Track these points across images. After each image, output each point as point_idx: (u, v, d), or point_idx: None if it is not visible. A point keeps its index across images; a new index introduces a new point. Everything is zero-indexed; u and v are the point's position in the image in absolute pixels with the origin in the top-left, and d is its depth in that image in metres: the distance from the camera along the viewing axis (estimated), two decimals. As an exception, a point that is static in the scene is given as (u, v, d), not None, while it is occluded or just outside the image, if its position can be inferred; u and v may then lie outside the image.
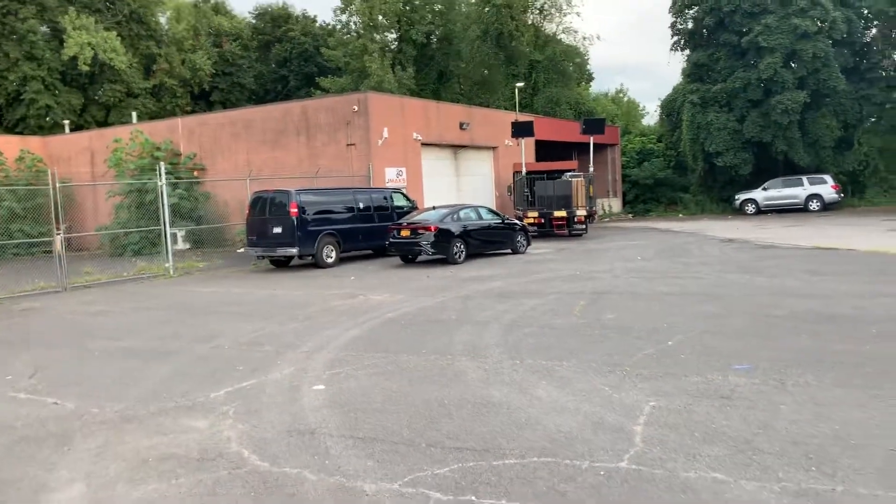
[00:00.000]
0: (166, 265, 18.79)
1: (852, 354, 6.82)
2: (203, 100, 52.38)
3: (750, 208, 35.44)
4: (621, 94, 72.43)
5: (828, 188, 34.08)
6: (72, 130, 36.75)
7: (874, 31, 37.93)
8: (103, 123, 44.32)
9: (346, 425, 5.63)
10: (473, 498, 4.12)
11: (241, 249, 22.01)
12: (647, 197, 44.05)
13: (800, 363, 6.59)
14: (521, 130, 27.35)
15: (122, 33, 45.00)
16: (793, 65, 34.47)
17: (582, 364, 7.09)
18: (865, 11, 35.83)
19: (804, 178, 34.71)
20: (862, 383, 5.87)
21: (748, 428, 4.99)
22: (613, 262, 16.43)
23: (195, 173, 27.08)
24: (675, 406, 5.57)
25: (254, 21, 59.84)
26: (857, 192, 38.10)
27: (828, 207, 33.64)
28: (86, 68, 41.28)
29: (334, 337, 9.22)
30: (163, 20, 51.80)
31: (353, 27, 49.12)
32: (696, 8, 38.86)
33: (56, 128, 40.31)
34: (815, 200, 33.97)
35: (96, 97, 45.04)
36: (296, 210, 17.97)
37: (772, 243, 19.09)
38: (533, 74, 45.63)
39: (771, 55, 34.23)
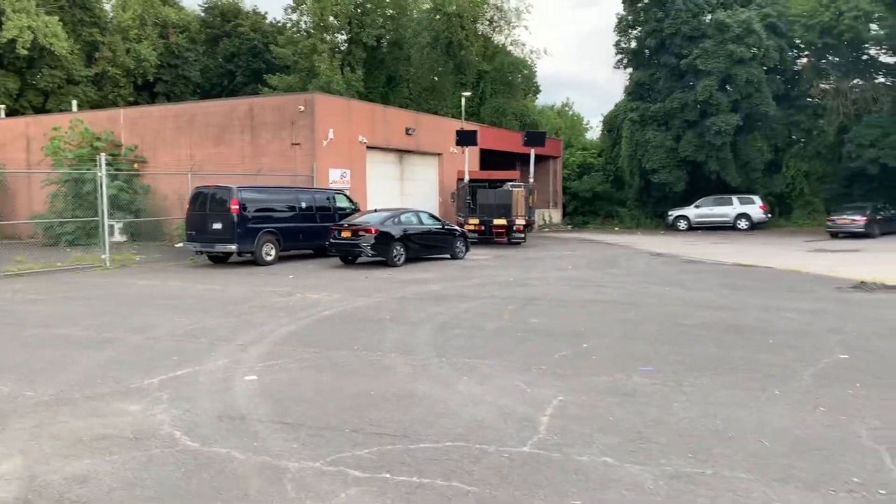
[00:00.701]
0: (103, 256, 18.63)
1: (747, 361, 7.48)
2: (147, 91, 51.45)
3: (682, 224, 36.80)
4: (567, 108, 73.82)
5: (756, 208, 35.70)
6: (7, 115, 35.73)
7: (804, 60, 39.90)
8: (41, 109, 43.19)
9: (275, 412, 5.96)
10: (388, 475, 4.52)
11: (180, 244, 21.92)
12: (585, 209, 45.27)
13: (699, 367, 7.21)
14: (464, 139, 27.93)
15: (64, 18, 43.95)
16: (728, 88, 35.99)
17: (503, 363, 7.56)
18: (797, 41, 37.66)
19: (734, 198, 36.27)
20: (750, 386, 6.50)
21: (642, 421, 5.52)
22: (547, 271, 17.07)
23: (135, 165, 26.77)
24: (581, 401, 6.09)
25: (203, 14, 59.06)
26: (784, 213, 40.00)
27: (756, 227, 35.21)
28: (24, 52, 40.20)
29: (269, 332, 9.49)
30: (108, 7, 50.79)
31: (304, 26, 49.07)
32: (640, 29, 40.19)
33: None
34: (743, 219, 35.53)
35: (34, 82, 43.85)
36: (237, 207, 18.08)
37: (696, 259, 20.06)
38: (481, 84, 46.39)
39: (707, 78, 35.71)
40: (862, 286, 13.18)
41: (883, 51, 36.41)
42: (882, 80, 37.45)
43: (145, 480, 4.57)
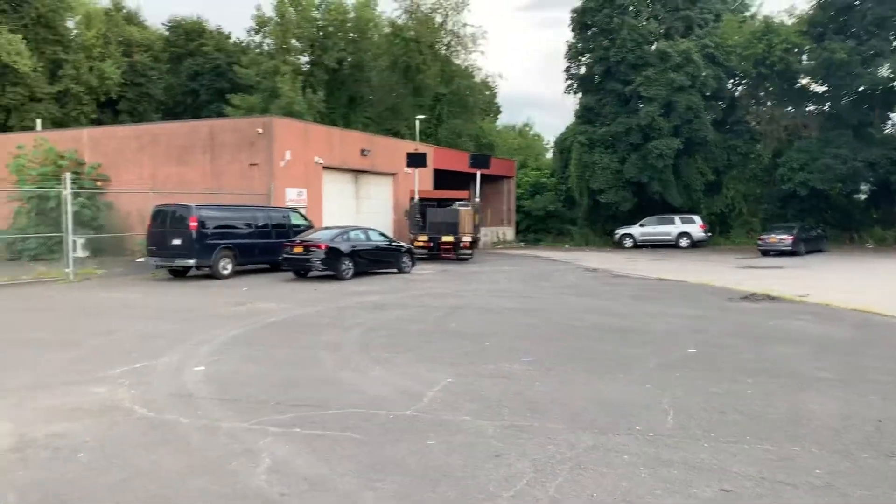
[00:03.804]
0: (66, 270, 19.71)
1: (612, 354, 9.08)
2: (110, 108, 52.14)
3: (628, 242, 38.75)
4: (528, 128, 76.04)
5: (696, 227, 37.86)
6: (-30, 132, 36.37)
7: (741, 88, 42.41)
8: (2, 126, 43.75)
9: (216, 392, 7.36)
10: (298, 430, 5.97)
11: (141, 259, 23.02)
12: (538, 227, 47.16)
13: (570, 358, 8.79)
14: (414, 161, 29.50)
15: (27, 36, 44.64)
16: (670, 114, 38.20)
17: (414, 356, 9.04)
18: (735, 70, 40.11)
19: (676, 217, 38.41)
20: (602, 371, 8.09)
21: (505, 394, 7.05)
22: (481, 284, 18.64)
23: (98, 183, 27.77)
24: (464, 382, 7.60)
25: (167, 33, 60.05)
26: (724, 232, 42.25)
27: (696, 245, 37.30)
28: (-13, 69, 40.88)
29: (219, 335, 10.84)
30: (72, 25, 51.52)
31: (267, 48, 50.42)
32: (588, 56, 42.36)
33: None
34: (684, 238, 37.63)
35: (-4, 99, 44.43)
36: (195, 223, 19.33)
37: (624, 274, 21.81)
38: (438, 106, 48.17)
39: (650, 104, 37.96)
40: (750, 297, 14.96)
41: (813, 80, 38.96)
42: (811, 107, 40.04)
43: (112, 436, 5.95)
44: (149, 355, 9.28)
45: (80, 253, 25.76)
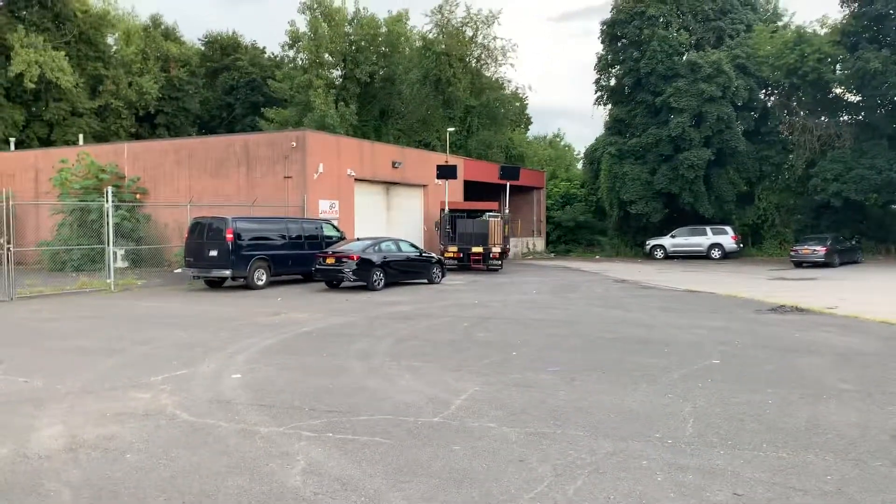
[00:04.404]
0: (108, 280, 20.38)
1: (636, 364, 9.26)
2: (148, 122, 53.59)
3: (659, 253, 38.63)
4: (558, 139, 76.09)
5: (728, 238, 37.64)
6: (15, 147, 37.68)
7: (773, 98, 42.12)
8: (46, 140, 45.20)
9: (253, 398, 7.71)
10: (331, 434, 6.28)
11: (179, 270, 23.67)
12: (568, 238, 47.23)
13: (595, 368, 9.00)
14: (445, 173, 29.87)
15: (70, 53, 46.15)
16: (700, 125, 38.08)
17: (442, 365, 9.32)
18: (767, 81, 39.88)
19: (708, 229, 38.23)
20: (626, 381, 8.28)
21: (529, 402, 7.29)
22: (510, 295, 18.86)
23: (137, 196, 28.62)
24: (490, 390, 7.85)
25: (203, 48, 61.50)
26: (756, 243, 41.90)
27: (728, 256, 37.08)
28: (31, 86, 42.32)
29: (254, 343, 11.24)
30: (112, 42, 53.08)
31: (300, 62, 51.38)
32: (618, 67, 42.46)
33: (-2, 143, 41.12)
34: (716, 249, 37.42)
35: (40, 114, 45.92)
36: (231, 235, 19.88)
37: (654, 285, 21.87)
38: (468, 118, 48.58)
39: (680, 115, 37.89)
40: (779, 309, 14.98)
41: (847, 90, 38.55)
42: (845, 117, 39.59)
43: (156, 438, 6.32)
44: (188, 363, 9.69)
45: (121, 264, 26.60)
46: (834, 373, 8.72)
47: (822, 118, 39.70)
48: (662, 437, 6.06)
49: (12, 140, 37.98)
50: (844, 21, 36.18)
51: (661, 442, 5.96)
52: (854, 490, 4.91)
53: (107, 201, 20.53)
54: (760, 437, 6.11)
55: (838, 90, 39.09)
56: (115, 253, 23.02)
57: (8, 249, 18.52)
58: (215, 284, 21.33)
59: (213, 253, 20.08)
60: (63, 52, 44.62)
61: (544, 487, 4.99)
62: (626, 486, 5.00)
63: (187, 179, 28.31)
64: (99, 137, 46.77)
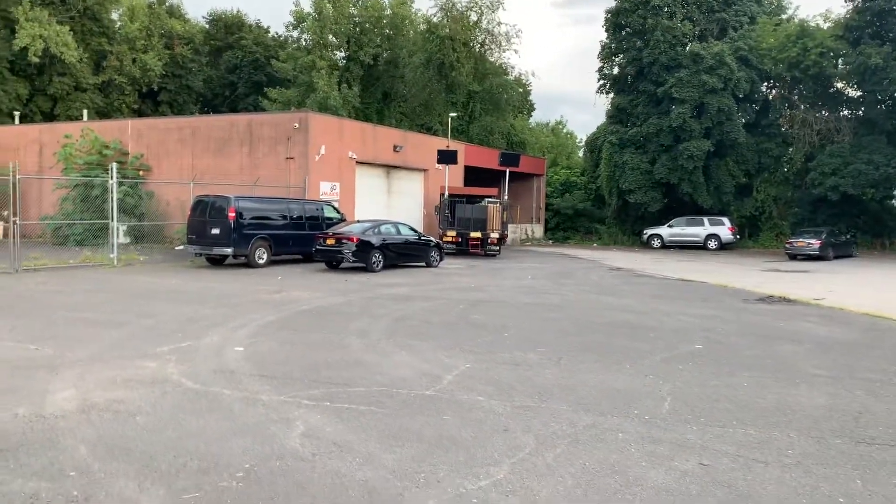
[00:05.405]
0: (111, 256, 20.73)
1: (622, 347, 9.65)
2: (151, 99, 53.75)
3: (656, 243, 39.03)
4: (561, 126, 76.14)
5: (725, 229, 37.99)
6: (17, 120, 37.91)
7: (774, 91, 42.31)
8: (49, 114, 45.42)
9: (255, 369, 8.10)
10: (328, 403, 6.67)
11: (181, 247, 24.02)
12: (567, 225, 47.58)
13: (582, 350, 9.39)
14: (445, 158, 30.16)
15: (74, 28, 46.26)
16: (701, 116, 38.31)
17: (437, 344, 9.70)
18: (769, 74, 40.06)
19: (705, 219, 38.59)
20: (610, 362, 8.67)
21: (517, 379, 7.68)
22: (506, 280, 19.25)
23: (141, 173, 28.92)
24: (481, 367, 8.24)
25: (207, 26, 61.48)
26: (753, 235, 42.27)
27: (724, 247, 37.47)
28: (35, 60, 42.46)
29: (256, 319, 11.62)
30: (116, 18, 53.12)
31: (304, 43, 51.45)
32: (621, 56, 42.62)
33: (1, 116, 41.31)
34: (713, 240, 37.80)
35: (44, 88, 46.09)
36: (233, 214, 20.21)
37: (647, 273, 22.25)
38: (470, 103, 48.74)
39: (681, 106, 38.12)
40: (767, 299, 15.36)
41: (848, 85, 38.77)
42: (845, 112, 39.83)
43: (163, 403, 6.70)
44: (192, 336, 10.07)
45: (123, 239, 26.93)
46: (810, 359, 9.12)
47: (823, 112, 39.92)
48: (640, 414, 6.45)
49: (17, 114, 38.17)
50: (847, 16, 36.34)
51: (639, 418, 6.35)
52: (812, 463, 5.30)
53: (111, 177, 20.84)
54: (732, 415, 6.51)
55: (839, 85, 39.30)
56: (117, 228, 23.38)
57: (14, 223, 18.87)
58: (217, 262, 21.68)
59: (216, 231, 20.42)
60: (67, 27, 44.73)
61: (525, 454, 5.38)
62: (601, 455, 5.39)
63: (190, 158, 28.60)
64: (102, 113, 47.00)
